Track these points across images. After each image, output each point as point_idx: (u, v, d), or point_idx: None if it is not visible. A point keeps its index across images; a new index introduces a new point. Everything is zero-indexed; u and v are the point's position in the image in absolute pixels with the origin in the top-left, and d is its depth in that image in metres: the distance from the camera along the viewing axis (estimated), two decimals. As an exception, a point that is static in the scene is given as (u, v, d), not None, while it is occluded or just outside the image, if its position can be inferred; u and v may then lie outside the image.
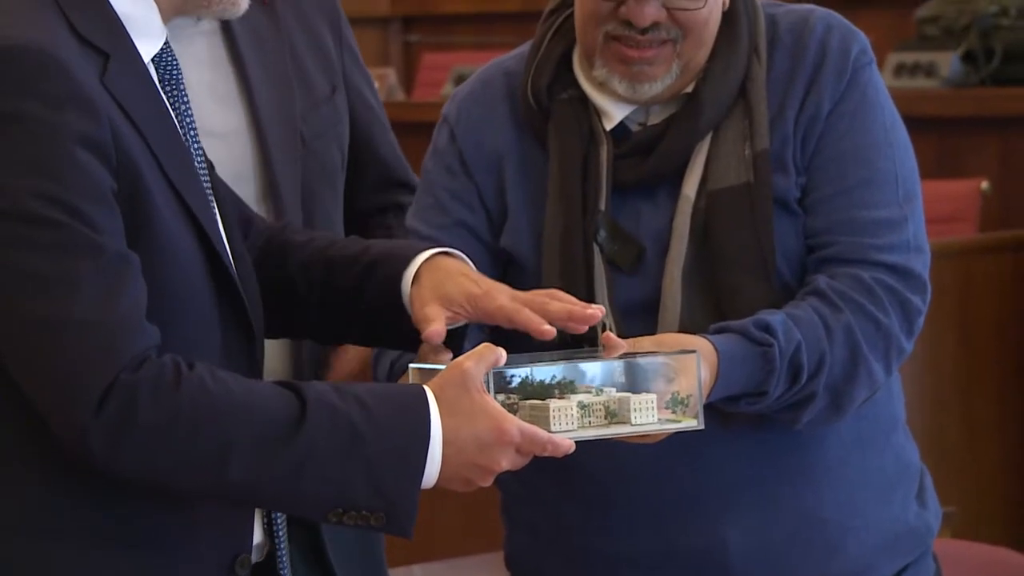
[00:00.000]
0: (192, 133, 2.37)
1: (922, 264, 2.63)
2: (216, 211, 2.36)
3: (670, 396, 2.35)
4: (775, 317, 2.51)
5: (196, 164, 2.35)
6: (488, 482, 2.28)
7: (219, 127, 2.84)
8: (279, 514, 2.51)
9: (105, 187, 2.18)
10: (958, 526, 4.27)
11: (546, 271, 2.64)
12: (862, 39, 2.68)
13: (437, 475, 2.24)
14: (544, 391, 2.33)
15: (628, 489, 2.67)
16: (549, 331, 2.31)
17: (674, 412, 2.38)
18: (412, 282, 2.43)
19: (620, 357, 2.35)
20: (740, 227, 2.60)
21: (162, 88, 2.34)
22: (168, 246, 2.26)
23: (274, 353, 2.78)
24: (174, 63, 2.37)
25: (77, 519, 2.27)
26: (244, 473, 2.21)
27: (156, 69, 2.34)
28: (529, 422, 2.28)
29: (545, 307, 2.35)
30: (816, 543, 2.69)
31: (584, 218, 2.63)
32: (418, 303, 2.41)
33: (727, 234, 2.60)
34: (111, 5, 2.29)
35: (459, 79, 6.50)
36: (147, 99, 2.29)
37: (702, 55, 2.63)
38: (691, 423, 2.38)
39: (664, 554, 2.69)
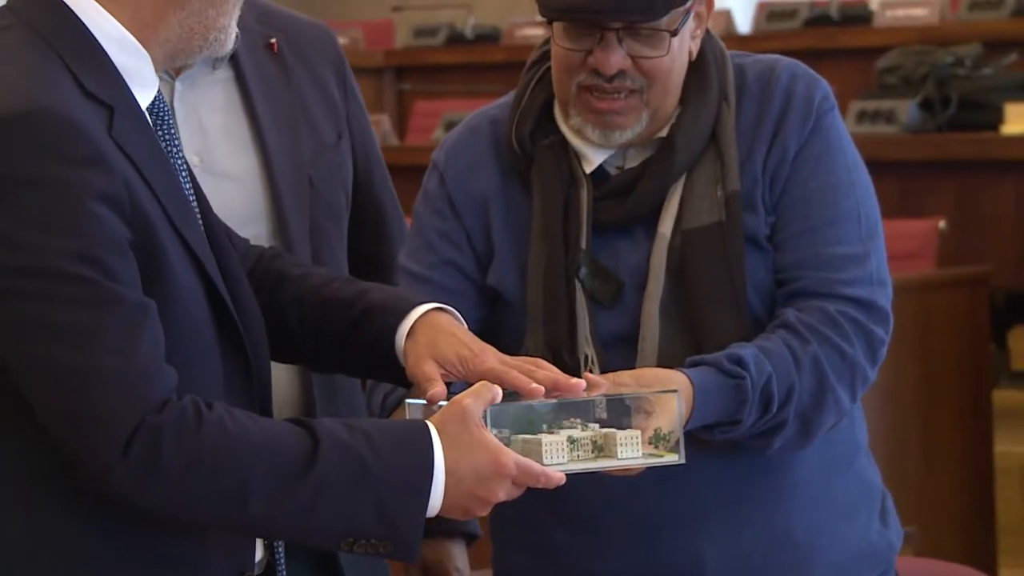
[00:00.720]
0: (183, 174, 2.36)
1: (884, 297, 2.62)
2: (209, 247, 2.35)
3: (652, 432, 2.34)
4: (747, 351, 2.51)
5: (191, 205, 2.34)
6: (486, 512, 2.28)
7: (232, 169, 2.84)
8: None
9: (122, 239, 2.19)
10: (920, 545, 4.26)
11: (531, 306, 2.64)
12: (824, 86, 2.67)
13: (440, 505, 2.23)
14: (534, 426, 2.33)
15: (612, 511, 2.66)
16: (538, 390, 2.30)
17: (656, 447, 2.37)
18: (407, 336, 2.42)
19: (604, 395, 2.35)
20: (713, 264, 2.59)
21: (158, 134, 2.33)
22: (178, 290, 2.26)
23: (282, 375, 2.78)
24: (164, 108, 2.36)
25: (91, 544, 2.26)
26: (262, 509, 2.21)
27: (151, 116, 2.33)
28: (522, 455, 2.28)
29: (532, 374, 2.35)
30: (786, 560, 2.68)
31: (566, 256, 2.62)
32: (413, 358, 2.41)
33: (701, 271, 2.59)
34: (110, 58, 2.28)
35: (449, 125, 6.50)
36: (149, 148, 2.28)
37: (670, 102, 2.63)
38: (672, 457, 2.38)
39: (646, 572, 2.68)
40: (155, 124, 2.34)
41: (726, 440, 2.53)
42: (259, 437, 2.24)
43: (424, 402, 2.36)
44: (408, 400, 2.40)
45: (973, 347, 4.62)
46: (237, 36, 2.35)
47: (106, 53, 2.29)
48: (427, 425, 2.24)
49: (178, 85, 2.89)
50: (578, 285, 2.62)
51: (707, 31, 2.66)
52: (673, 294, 2.60)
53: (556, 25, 2.59)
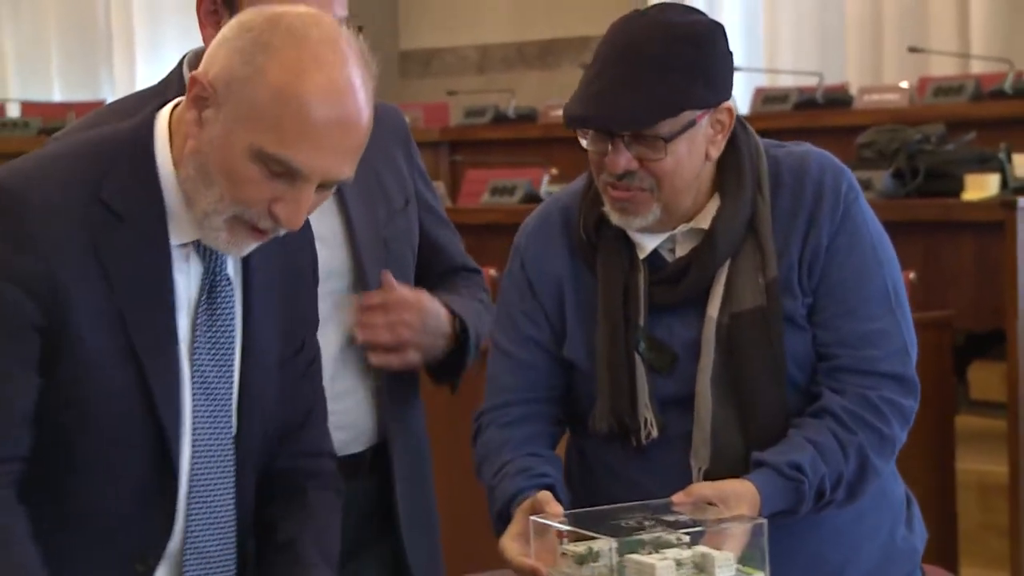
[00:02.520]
0: (227, 325, 2.32)
1: (912, 364, 2.64)
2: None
3: (739, 555, 2.35)
4: (804, 456, 2.52)
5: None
6: None
7: (321, 232, 2.79)
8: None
9: (21, 318, 2.17)
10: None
11: (599, 377, 2.63)
12: (849, 176, 2.66)
13: None
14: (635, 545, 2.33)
15: None
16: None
17: (743, 566, 2.37)
18: None
19: (693, 531, 2.38)
20: (758, 343, 2.59)
21: (205, 275, 2.30)
22: (94, 384, 2.20)
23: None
24: (221, 270, 2.32)
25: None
26: None
27: (201, 262, 2.30)
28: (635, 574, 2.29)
29: None
30: None
31: (627, 332, 2.61)
32: None
33: (748, 349, 2.59)
34: (162, 194, 2.26)
35: (494, 190, 6.50)
36: (147, 270, 2.25)
37: (683, 197, 2.61)
38: (760, 575, 2.38)
39: None
40: (204, 277, 2.30)
41: None
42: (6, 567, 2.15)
43: (554, 524, 2.41)
44: (533, 518, 2.43)
45: (939, 380, 4.59)
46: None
47: (160, 189, 2.26)
48: None
49: None
50: (638, 358, 2.60)
51: (745, 126, 2.63)
52: (722, 366, 2.59)
53: (582, 135, 2.58)
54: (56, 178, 2.23)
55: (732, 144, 2.64)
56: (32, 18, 11.13)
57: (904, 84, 7.91)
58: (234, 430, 2.36)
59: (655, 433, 2.61)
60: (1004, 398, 4.60)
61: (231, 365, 2.35)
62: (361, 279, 2.85)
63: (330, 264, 2.81)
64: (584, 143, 2.60)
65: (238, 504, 2.38)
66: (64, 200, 2.20)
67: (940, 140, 5.36)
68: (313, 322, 2.53)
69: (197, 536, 2.34)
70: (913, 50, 8.21)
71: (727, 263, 2.61)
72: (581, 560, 2.37)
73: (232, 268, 2.35)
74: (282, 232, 2.27)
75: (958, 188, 5.14)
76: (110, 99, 10.63)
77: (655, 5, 2.65)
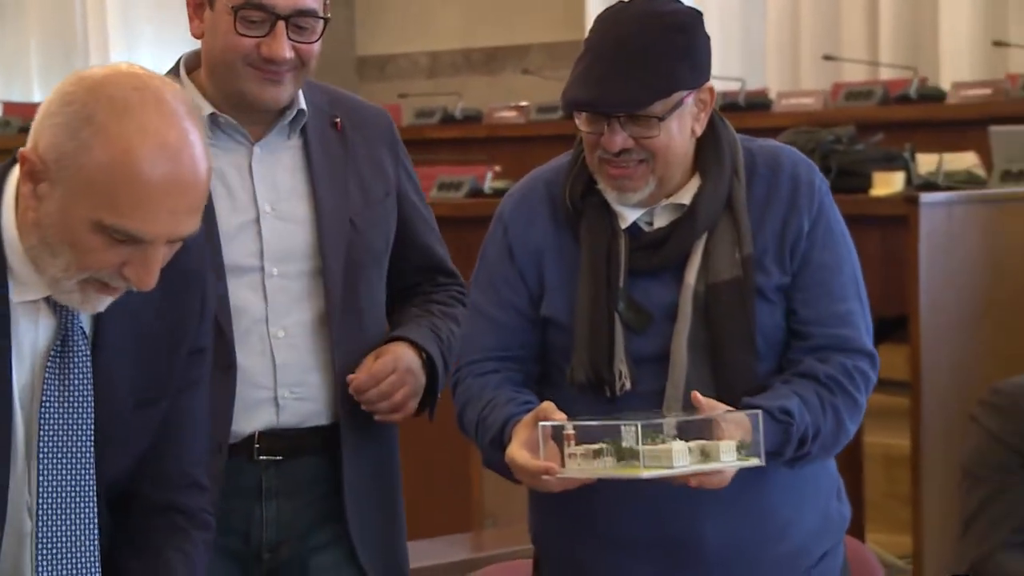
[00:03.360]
0: (82, 374, 2.24)
1: (871, 339, 2.71)
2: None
3: (738, 442, 2.46)
4: (793, 403, 2.58)
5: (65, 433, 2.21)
6: None
7: (293, 215, 2.86)
8: None
9: None
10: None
11: (578, 331, 2.66)
12: (819, 172, 2.74)
13: None
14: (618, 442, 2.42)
15: (629, 492, 2.65)
16: None
17: (740, 453, 2.46)
18: None
19: (693, 418, 2.48)
20: (733, 311, 2.63)
21: (58, 328, 2.22)
22: None
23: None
24: (72, 335, 2.24)
25: None
26: None
27: (50, 309, 2.22)
28: (650, 459, 2.38)
29: None
30: (768, 534, 2.70)
31: (608, 292, 2.64)
32: None
33: (722, 316, 2.63)
34: (5, 254, 2.18)
35: (441, 186, 6.49)
36: None
37: (675, 171, 2.65)
38: (755, 461, 2.48)
39: (657, 541, 2.69)
40: (53, 339, 2.22)
41: None
42: None
43: (558, 423, 2.46)
44: (543, 423, 2.48)
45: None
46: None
47: (3, 249, 2.17)
48: None
49: (256, 150, 2.92)
50: (616, 317, 2.62)
51: (723, 120, 2.69)
52: (697, 330, 2.62)
53: (577, 116, 2.62)
54: None
55: (712, 131, 2.70)
56: (14, 24, 11.07)
57: (818, 89, 7.94)
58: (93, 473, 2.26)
59: (628, 386, 2.64)
60: (907, 377, 4.62)
61: (87, 413, 2.25)
62: (324, 259, 2.86)
63: (301, 245, 2.84)
64: (579, 124, 2.64)
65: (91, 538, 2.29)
66: None
67: (851, 141, 5.36)
68: (172, 386, 2.38)
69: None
70: (827, 58, 8.24)
71: (704, 236, 2.65)
72: (599, 453, 2.45)
73: (86, 322, 2.25)
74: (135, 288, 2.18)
75: (867, 185, 5.15)
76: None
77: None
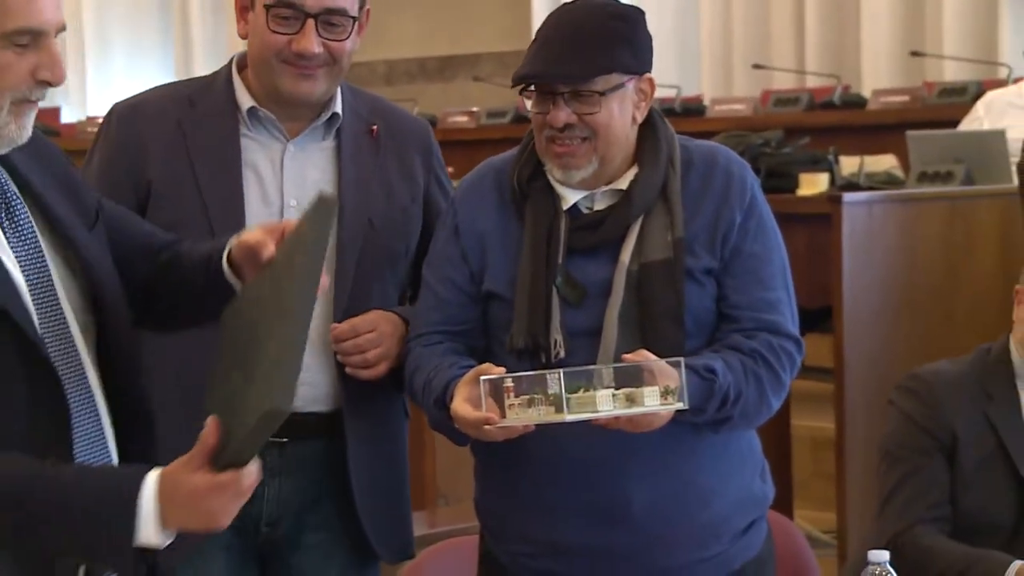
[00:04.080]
0: (27, 238, 2.23)
1: (798, 328, 2.72)
2: (35, 316, 2.17)
3: (663, 388, 2.45)
4: (717, 363, 2.59)
5: (30, 272, 2.19)
6: (223, 522, 2.11)
7: None
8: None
9: None
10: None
11: (518, 304, 2.67)
12: (751, 170, 2.76)
13: (156, 529, 2.09)
14: (552, 391, 2.44)
15: (562, 459, 2.67)
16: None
17: (666, 398, 2.46)
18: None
19: (620, 365, 2.48)
20: (664, 289, 2.63)
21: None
22: None
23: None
24: (5, 183, 2.24)
25: None
26: None
27: None
28: (577, 406, 2.38)
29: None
30: (692, 500, 2.71)
31: (547, 268, 2.65)
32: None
33: (654, 293, 2.64)
34: None
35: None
36: None
37: (616, 152, 2.68)
38: (680, 404, 2.47)
39: (588, 505, 2.69)
40: None
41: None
42: None
43: (497, 376, 2.46)
44: (484, 377, 2.48)
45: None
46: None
47: None
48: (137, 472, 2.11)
49: (290, 146, 2.91)
50: (554, 291, 2.64)
51: (662, 117, 2.72)
52: (629, 306, 2.63)
53: (526, 97, 2.65)
54: None
55: (651, 126, 2.73)
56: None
57: (749, 96, 7.96)
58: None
59: (563, 354, 2.65)
60: (831, 364, 4.64)
61: (41, 253, 2.25)
62: (338, 255, 2.84)
63: None
64: (529, 107, 2.68)
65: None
66: None
67: (779, 144, 5.38)
68: (91, 189, 2.47)
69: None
70: (757, 67, 8.26)
71: (640, 220, 2.67)
72: (531, 401, 2.46)
73: (12, 183, 2.27)
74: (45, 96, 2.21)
75: (794, 185, 5.17)
76: (63, 106, 10.54)
77: None
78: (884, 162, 5.54)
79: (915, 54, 7.81)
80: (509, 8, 10.03)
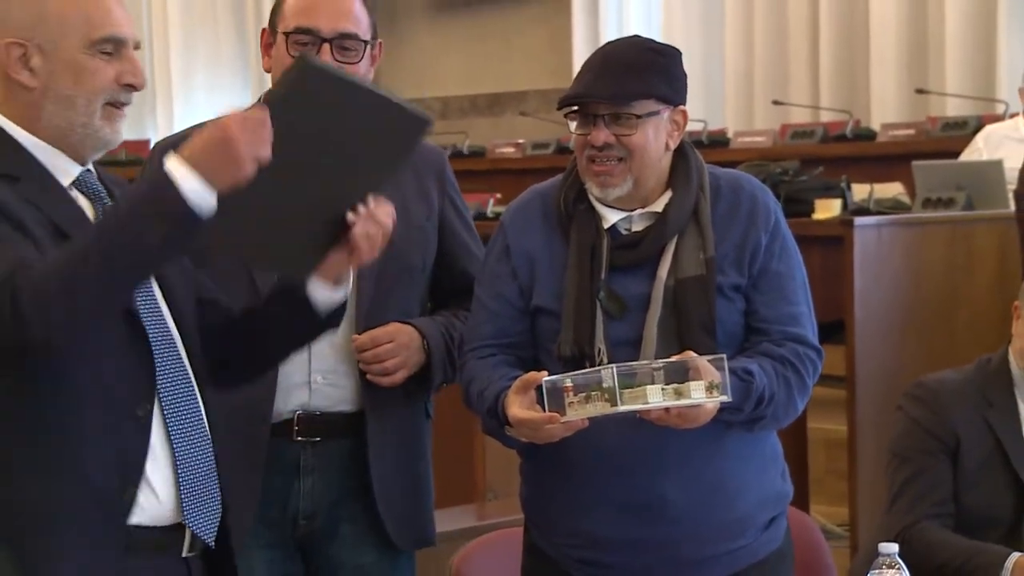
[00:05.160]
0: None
1: (817, 338, 2.71)
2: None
3: (708, 383, 2.45)
4: (753, 366, 2.58)
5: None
6: (246, 168, 2.11)
7: None
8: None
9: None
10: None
11: (565, 316, 2.65)
12: (773, 196, 2.75)
13: (187, 173, 2.07)
14: (610, 388, 2.40)
15: (601, 459, 2.66)
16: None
17: (711, 393, 2.44)
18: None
19: (668, 361, 2.46)
20: (697, 302, 2.62)
21: (90, 201, 2.24)
22: None
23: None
24: (95, 185, 2.27)
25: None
26: (91, 267, 2.06)
27: (80, 190, 2.24)
28: (629, 400, 2.35)
29: None
30: (721, 497, 2.69)
31: (591, 284, 2.64)
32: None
33: (688, 306, 2.62)
34: (30, 152, 2.20)
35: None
36: (60, 202, 2.20)
37: (650, 174, 2.66)
38: (724, 397, 2.45)
39: (625, 500, 2.67)
40: (87, 195, 2.24)
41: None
42: (56, 253, 2.11)
43: (558, 377, 2.44)
44: (545, 379, 2.47)
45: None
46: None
47: (25, 149, 2.18)
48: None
49: None
50: (598, 304, 2.62)
51: (692, 148, 2.70)
52: (667, 318, 2.61)
53: (570, 119, 2.64)
54: None
55: (683, 155, 2.71)
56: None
57: (769, 129, 7.93)
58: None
59: (606, 362, 2.62)
60: (843, 373, 4.62)
61: None
62: (361, 271, 2.80)
63: None
64: (573, 129, 2.67)
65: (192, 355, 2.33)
66: None
67: (796, 173, 5.35)
68: None
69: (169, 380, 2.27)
70: (776, 103, 8.24)
71: (674, 239, 2.66)
72: (588, 398, 2.44)
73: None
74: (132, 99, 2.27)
75: (809, 210, 5.15)
76: (153, 138, 10.60)
77: (629, 36, 2.78)
78: (892, 189, 5.50)
79: (920, 91, 7.77)
80: (552, 49, 10.03)
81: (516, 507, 2.90)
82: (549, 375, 2.53)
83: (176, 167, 2.07)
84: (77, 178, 2.24)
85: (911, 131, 7.34)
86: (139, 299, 2.22)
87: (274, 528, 2.85)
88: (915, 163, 5.64)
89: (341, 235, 2.33)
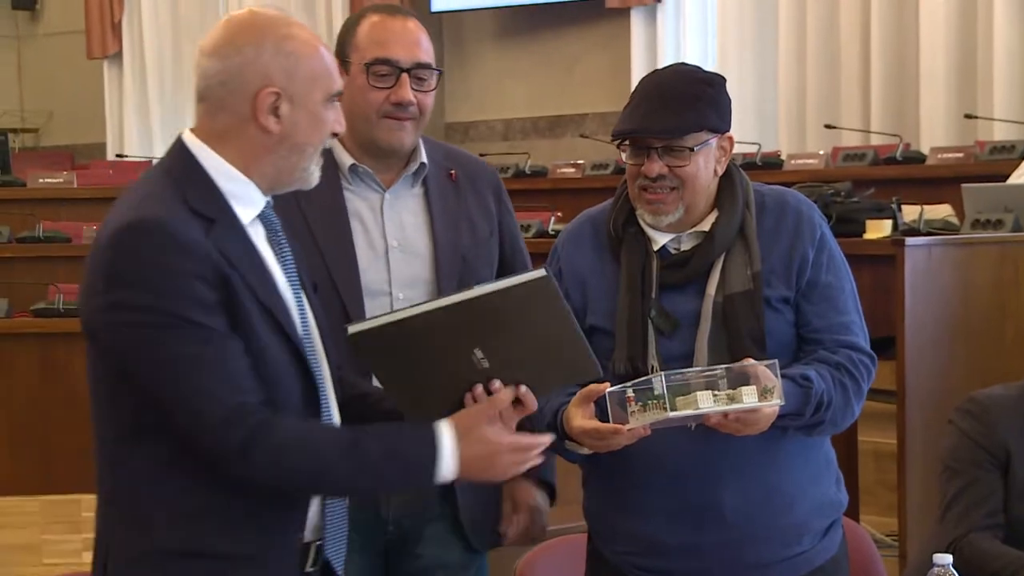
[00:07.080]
0: (289, 265, 2.30)
1: (869, 344, 2.68)
2: (298, 321, 2.27)
3: (761, 388, 2.42)
4: (811, 372, 2.56)
5: (289, 288, 2.28)
6: (499, 475, 2.25)
7: (415, 250, 2.84)
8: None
9: (211, 301, 2.13)
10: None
11: (618, 334, 2.64)
12: (818, 210, 2.72)
13: (454, 469, 2.22)
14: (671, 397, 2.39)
15: (660, 467, 2.65)
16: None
17: (765, 397, 2.42)
18: None
19: (722, 367, 2.43)
20: (746, 317, 2.60)
21: (268, 238, 2.29)
22: (257, 337, 2.18)
23: None
24: (274, 222, 2.31)
25: (196, 507, 2.21)
26: (335, 477, 2.20)
27: (262, 225, 2.28)
28: (681, 407, 2.36)
29: None
30: (777, 504, 2.66)
31: (642, 303, 2.63)
32: None
33: (738, 320, 2.60)
34: (217, 184, 2.22)
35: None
36: (243, 249, 2.22)
37: (700, 200, 2.65)
38: (777, 401, 2.43)
39: (684, 508, 2.66)
40: (267, 232, 2.28)
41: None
42: (319, 432, 2.20)
43: (620, 388, 2.44)
44: (610, 390, 2.47)
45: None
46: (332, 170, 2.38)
47: (214, 182, 2.20)
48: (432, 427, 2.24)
49: (387, 195, 2.91)
50: (649, 321, 2.61)
51: (738, 167, 2.68)
52: (716, 333, 2.59)
53: (622, 150, 2.62)
54: (161, 204, 2.18)
55: (729, 175, 2.70)
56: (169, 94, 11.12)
57: (821, 152, 7.89)
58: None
59: None
60: (894, 387, 4.58)
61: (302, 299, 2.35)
62: (439, 286, 2.85)
63: (423, 274, 2.83)
64: (626, 158, 2.65)
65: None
66: (185, 219, 2.17)
67: (848, 194, 5.32)
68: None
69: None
70: (828, 127, 8.18)
71: (722, 257, 2.64)
72: (645, 407, 2.43)
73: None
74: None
75: (861, 231, 5.11)
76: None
77: (675, 64, 2.77)
78: (941, 211, 5.45)
79: (969, 116, 7.70)
80: (611, 75, 10.03)
81: (578, 514, 2.90)
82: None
83: (447, 462, 2.23)
84: (262, 211, 2.29)
85: (960, 155, 7.26)
86: (314, 364, 2.29)
87: (367, 532, 2.86)
88: (964, 185, 5.58)
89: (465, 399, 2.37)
